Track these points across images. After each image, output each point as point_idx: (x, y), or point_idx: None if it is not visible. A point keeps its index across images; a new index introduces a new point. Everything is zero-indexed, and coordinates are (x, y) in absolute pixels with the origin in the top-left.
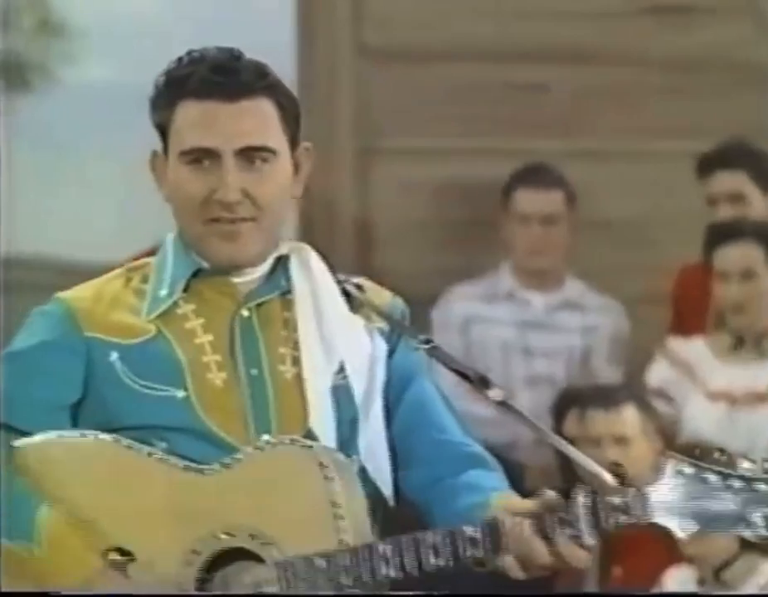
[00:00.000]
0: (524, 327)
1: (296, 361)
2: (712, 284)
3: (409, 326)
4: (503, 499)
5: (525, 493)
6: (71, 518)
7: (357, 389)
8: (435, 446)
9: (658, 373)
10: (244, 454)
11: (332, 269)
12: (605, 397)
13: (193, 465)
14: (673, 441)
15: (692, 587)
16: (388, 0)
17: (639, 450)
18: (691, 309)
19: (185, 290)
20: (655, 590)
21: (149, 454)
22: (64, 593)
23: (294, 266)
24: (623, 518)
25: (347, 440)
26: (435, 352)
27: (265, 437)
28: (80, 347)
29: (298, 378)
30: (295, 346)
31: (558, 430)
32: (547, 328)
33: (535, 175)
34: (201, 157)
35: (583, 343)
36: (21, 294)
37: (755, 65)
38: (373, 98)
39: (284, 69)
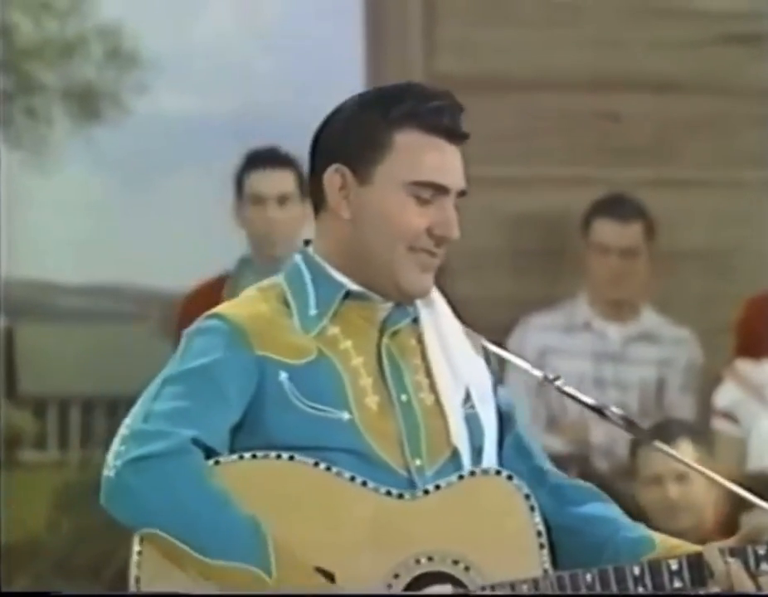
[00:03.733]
0: (599, 359)
1: (431, 389)
2: None
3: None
4: (665, 540)
5: None
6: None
7: (484, 417)
8: (542, 475)
9: (726, 395)
10: (444, 483)
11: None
12: (661, 434)
13: (394, 491)
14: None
15: None
16: (460, 28)
17: (698, 486)
18: (762, 336)
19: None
20: None
21: (352, 479)
22: (64, 593)
23: None
24: None
25: (474, 464)
26: (565, 389)
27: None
28: (252, 366)
29: (436, 405)
30: (427, 373)
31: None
32: (622, 360)
33: (615, 206)
34: (430, 192)
35: (657, 375)
36: (100, 322)
37: None
38: None
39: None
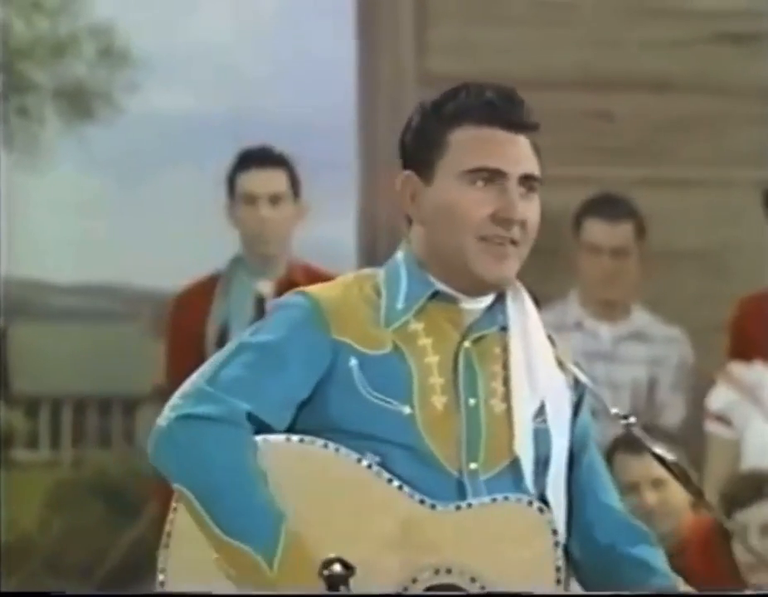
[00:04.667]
0: (590, 359)
1: (504, 398)
2: None
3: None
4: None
5: None
6: (302, 532)
7: (554, 432)
8: (603, 510)
9: (719, 397)
10: (477, 502)
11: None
12: (634, 441)
13: (427, 500)
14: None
15: None
16: (452, 28)
17: (675, 490)
18: (754, 337)
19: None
20: None
21: (389, 481)
22: (66, 593)
23: (510, 302)
24: None
25: (538, 476)
26: (634, 430)
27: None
28: (325, 348)
29: (505, 414)
30: (505, 382)
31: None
32: (613, 360)
33: (606, 206)
34: (485, 176)
35: (649, 375)
36: (92, 321)
37: None
38: None
39: (347, 94)
